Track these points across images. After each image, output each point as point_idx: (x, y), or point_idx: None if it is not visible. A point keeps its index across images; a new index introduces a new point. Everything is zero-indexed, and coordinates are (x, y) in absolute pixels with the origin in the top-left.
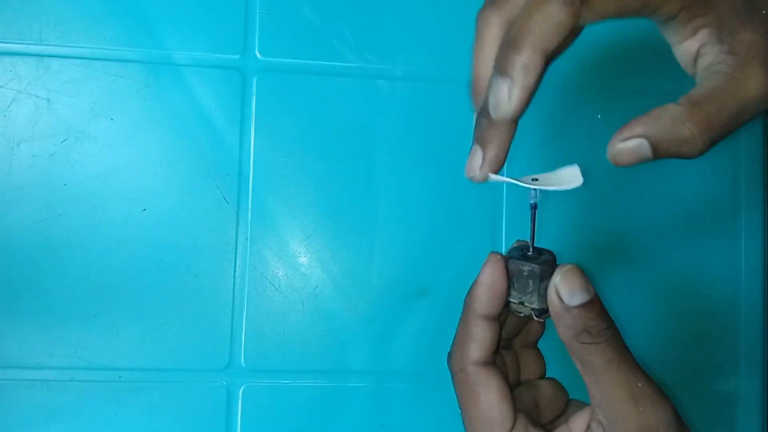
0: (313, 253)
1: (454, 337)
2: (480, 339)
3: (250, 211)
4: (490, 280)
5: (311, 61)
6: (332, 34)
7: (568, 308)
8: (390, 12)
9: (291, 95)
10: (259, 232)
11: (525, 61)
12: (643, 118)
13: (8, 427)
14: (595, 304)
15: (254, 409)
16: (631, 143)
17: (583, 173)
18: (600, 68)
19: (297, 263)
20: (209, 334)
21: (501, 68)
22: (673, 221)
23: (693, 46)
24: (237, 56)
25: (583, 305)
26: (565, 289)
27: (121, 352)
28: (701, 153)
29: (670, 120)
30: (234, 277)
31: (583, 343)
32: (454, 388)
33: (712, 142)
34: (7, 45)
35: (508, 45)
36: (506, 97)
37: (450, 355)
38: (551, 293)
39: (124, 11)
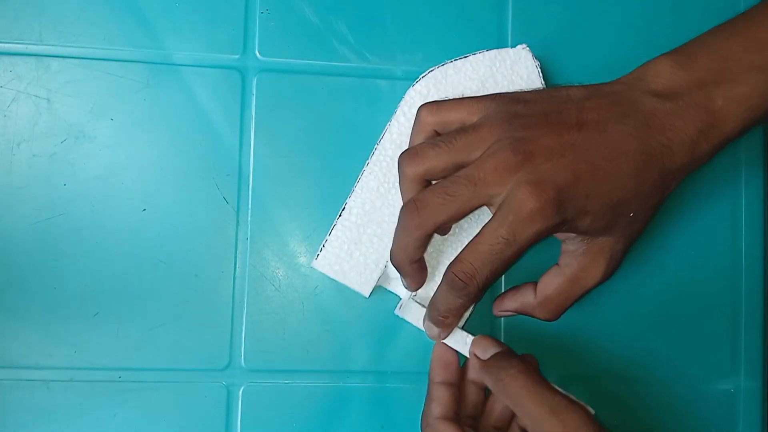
0: (313, 253)
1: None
2: (439, 399)
3: (250, 211)
4: (438, 354)
5: (311, 61)
6: (332, 34)
7: (484, 361)
8: (390, 12)
9: (291, 95)
10: (259, 232)
11: (449, 323)
12: (510, 298)
13: (8, 427)
14: (503, 353)
15: (254, 409)
16: (504, 313)
17: None
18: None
19: (297, 263)
20: (209, 334)
21: (435, 322)
22: (673, 221)
23: (560, 235)
24: (237, 56)
25: (495, 354)
26: (478, 351)
27: (121, 352)
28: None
29: (530, 307)
30: (234, 277)
31: (502, 378)
32: None
33: (559, 315)
34: (7, 45)
35: (440, 313)
36: (437, 336)
37: (421, 417)
38: (471, 356)
39: (124, 11)
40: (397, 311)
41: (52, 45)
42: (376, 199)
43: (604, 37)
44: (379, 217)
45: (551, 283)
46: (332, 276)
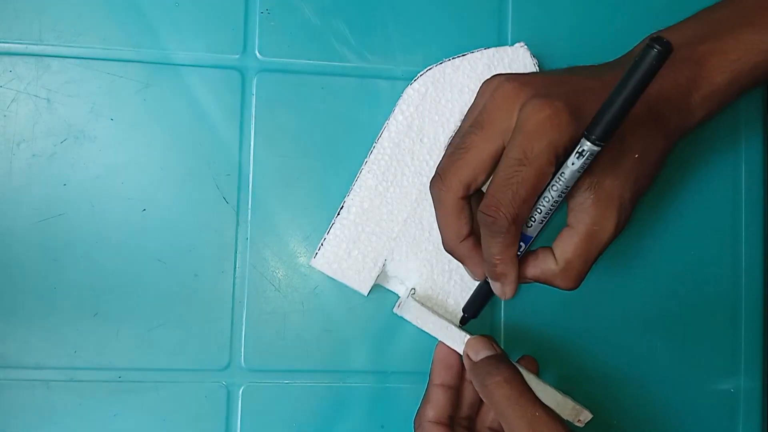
0: (313, 253)
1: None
2: (435, 402)
3: (250, 211)
4: (440, 356)
5: (311, 61)
6: (332, 34)
7: (474, 363)
8: (390, 12)
9: (291, 95)
10: (258, 232)
11: (501, 271)
12: (531, 264)
13: (8, 427)
14: (495, 357)
15: (254, 409)
16: (523, 280)
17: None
18: None
19: (297, 263)
20: (209, 334)
21: (491, 276)
22: (673, 221)
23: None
24: (237, 56)
25: (484, 358)
26: (470, 352)
27: (121, 352)
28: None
29: (551, 274)
30: (234, 277)
31: (487, 384)
32: None
33: (580, 282)
34: (7, 45)
35: (488, 264)
36: (502, 291)
37: (415, 417)
38: (464, 356)
39: (124, 11)
40: (395, 310)
41: (52, 45)
42: (375, 197)
43: (603, 36)
44: (377, 215)
45: (568, 245)
46: (331, 275)
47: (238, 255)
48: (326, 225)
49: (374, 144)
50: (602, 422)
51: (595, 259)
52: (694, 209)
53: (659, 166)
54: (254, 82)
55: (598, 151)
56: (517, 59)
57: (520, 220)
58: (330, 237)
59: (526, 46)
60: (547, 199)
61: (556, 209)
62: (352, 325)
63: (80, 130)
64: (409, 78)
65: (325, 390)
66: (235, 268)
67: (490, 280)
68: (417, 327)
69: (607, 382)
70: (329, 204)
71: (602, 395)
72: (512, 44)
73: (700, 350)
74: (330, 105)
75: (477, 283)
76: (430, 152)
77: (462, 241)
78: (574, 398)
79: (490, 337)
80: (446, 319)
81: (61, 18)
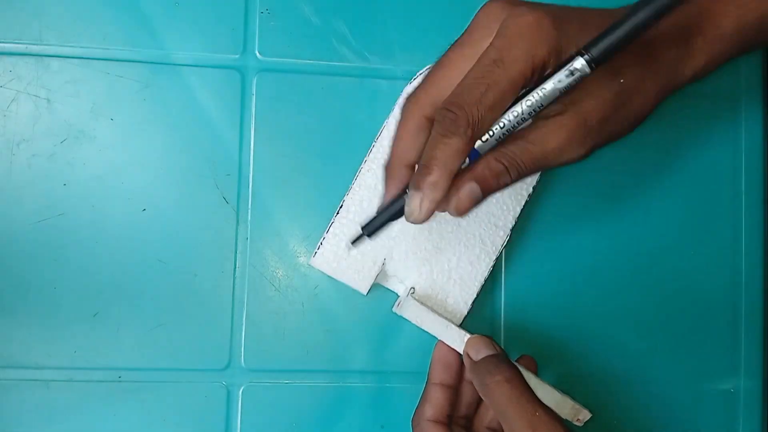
0: (313, 253)
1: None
2: (433, 401)
3: (250, 211)
4: (439, 355)
5: (311, 61)
6: (332, 34)
7: (475, 362)
8: (390, 12)
9: (291, 95)
10: (258, 232)
11: (433, 180)
12: (469, 172)
13: (8, 427)
14: (496, 357)
15: (254, 409)
16: (465, 191)
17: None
18: None
19: (297, 263)
20: (209, 334)
21: (415, 184)
22: (674, 221)
23: None
24: (237, 56)
25: (485, 357)
26: (471, 351)
27: (121, 352)
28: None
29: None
30: (234, 277)
31: (487, 383)
32: None
33: (520, 176)
34: (7, 45)
35: (421, 167)
36: (418, 207)
37: (413, 416)
38: (464, 356)
39: (124, 11)
40: (395, 309)
41: (52, 45)
42: (374, 196)
43: None
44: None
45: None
46: (330, 274)
47: (238, 255)
48: (326, 225)
49: (373, 143)
50: (602, 422)
51: (536, 166)
52: (695, 210)
53: (641, 114)
54: (254, 82)
55: (589, 72)
56: None
57: (479, 128)
58: (329, 236)
59: None
60: (515, 114)
61: (516, 128)
62: (352, 325)
63: (80, 130)
64: (409, 78)
65: (325, 390)
66: (234, 268)
67: (409, 193)
68: (417, 326)
69: (606, 382)
70: (329, 204)
71: (602, 395)
72: None
73: (700, 350)
74: (330, 105)
75: (474, 277)
76: None
77: (404, 165)
78: (573, 397)
79: (490, 338)
80: (446, 318)
81: (61, 18)
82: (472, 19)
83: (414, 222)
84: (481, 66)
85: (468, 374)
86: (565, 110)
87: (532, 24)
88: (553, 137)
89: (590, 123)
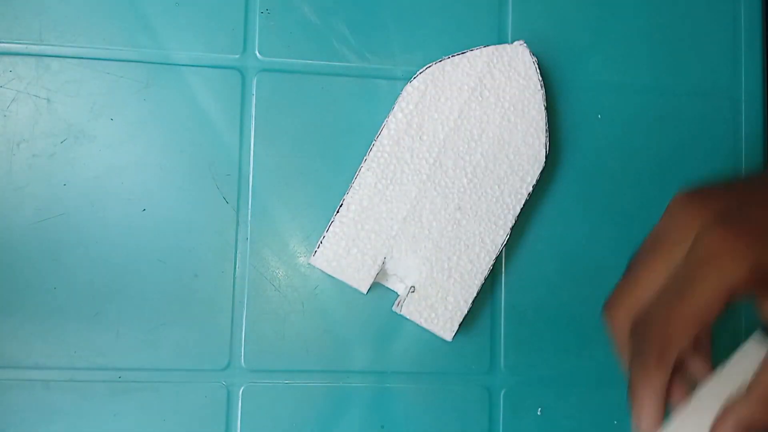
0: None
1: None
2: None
3: (250, 211)
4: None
5: (311, 61)
6: (332, 34)
7: None
8: (390, 12)
9: (291, 95)
10: (259, 232)
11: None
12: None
13: (8, 427)
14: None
15: (254, 409)
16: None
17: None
18: (600, 65)
19: (297, 263)
20: (209, 334)
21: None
22: None
23: None
24: (237, 56)
25: None
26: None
27: (121, 352)
28: None
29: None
30: (234, 277)
31: None
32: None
33: None
34: (7, 45)
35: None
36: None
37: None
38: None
39: (124, 11)
40: (395, 308)
41: (52, 45)
42: (374, 195)
43: (604, 35)
44: (376, 213)
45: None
46: (330, 273)
47: (238, 255)
48: (326, 224)
49: (373, 142)
50: (602, 422)
51: None
52: None
53: None
54: (254, 82)
55: None
56: (517, 57)
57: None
58: (329, 235)
59: (525, 45)
60: None
61: None
62: (352, 325)
63: (80, 130)
64: (409, 78)
65: (325, 390)
66: (235, 268)
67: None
68: (416, 327)
69: (607, 382)
70: (329, 204)
71: (602, 395)
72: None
73: None
74: (330, 105)
75: (474, 276)
76: (430, 150)
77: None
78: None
79: None
80: (447, 318)
81: (61, 18)
82: (667, 213)
83: None
84: (669, 289)
85: None
86: None
87: (726, 249)
88: None
89: None
